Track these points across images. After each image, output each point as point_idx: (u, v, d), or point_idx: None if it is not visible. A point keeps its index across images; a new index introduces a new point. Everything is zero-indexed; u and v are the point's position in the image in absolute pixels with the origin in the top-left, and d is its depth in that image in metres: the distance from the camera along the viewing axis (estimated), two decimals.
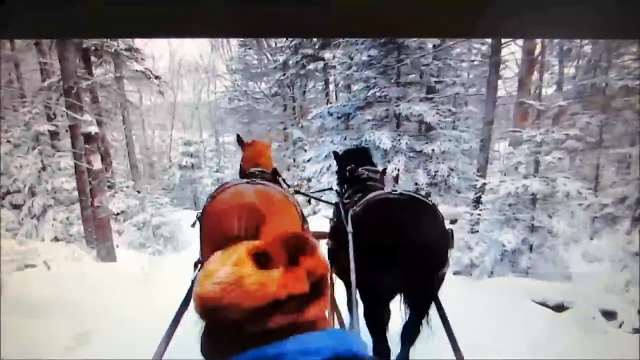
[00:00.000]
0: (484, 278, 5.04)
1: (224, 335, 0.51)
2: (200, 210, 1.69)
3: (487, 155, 8.06)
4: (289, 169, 13.84)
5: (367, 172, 2.50)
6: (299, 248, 0.54)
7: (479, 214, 6.05)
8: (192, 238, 7.14)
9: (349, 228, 1.86)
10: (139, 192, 10.27)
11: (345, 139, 8.67)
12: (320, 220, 6.87)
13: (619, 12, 0.72)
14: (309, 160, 8.83)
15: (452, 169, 8.65)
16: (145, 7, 0.69)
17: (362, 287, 1.65)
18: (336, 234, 2.17)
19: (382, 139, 7.94)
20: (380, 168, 2.72)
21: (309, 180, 12.18)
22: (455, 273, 5.58)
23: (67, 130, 6.92)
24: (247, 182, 1.79)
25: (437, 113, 8.63)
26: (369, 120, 8.80)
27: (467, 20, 0.77)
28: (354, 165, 2.59)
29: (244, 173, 2.33)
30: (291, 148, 14.24)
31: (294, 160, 14.12)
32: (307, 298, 0.51)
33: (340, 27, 0.83)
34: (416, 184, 8.54)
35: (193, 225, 1.76)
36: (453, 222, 11.98)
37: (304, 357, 0.43)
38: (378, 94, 8.54)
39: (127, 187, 8.68)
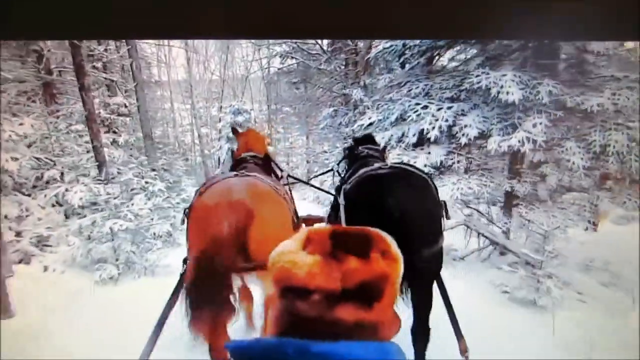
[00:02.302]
0: None
1: (278, 300, 0.52)
2: (188, 206, 1.68)
3: None
4: (345, 140, 10.63)
5: (367, 150, 2.45)
6: (351, 245, 0.52)
7: None
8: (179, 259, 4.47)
9: (341, 200, 1.91)
10: (153, 170, 8.14)
11: (430, 87, 5.08)
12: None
13: (619, 12, 0.69)
14: (368, 127, 5.51)
15: (634, 140, 4.62)
16: (145, 7, 0.66)
17: None
18: (331, 214, 2.15)
19: (506, 85, 4.26)
20: (381, 146, 2.65)
21: None
22: None
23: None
24: (236, 175, 1.74)
25: None
26: (475, 56, 5.11)
27: (467, 21, 0.74)
28: (353, 143, 2.67)
29: (235, 159, 2.38)
30: (350, 114, 10.94)
31: (353, 131, 10.85)
32: (339, 298, 0.48)
33: (342, 28, 0.80)
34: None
35: (182, 222, 1.70)
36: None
37: None
38: None
39: (132, 164, 6.34)
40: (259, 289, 2.16)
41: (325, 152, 13.06)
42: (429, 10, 0.67)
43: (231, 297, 1.51)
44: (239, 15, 0.68)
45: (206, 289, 1.43)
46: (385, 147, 2.78)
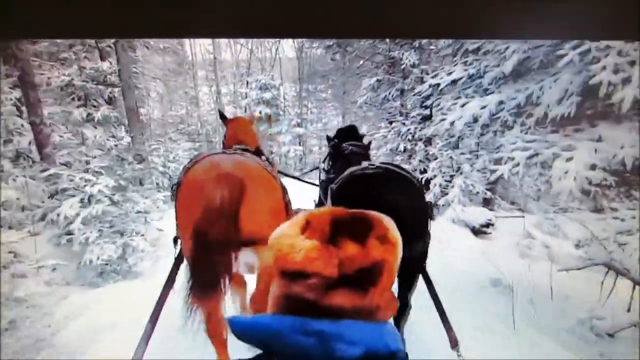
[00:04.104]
0: None
1: (277, 283, 0.52)
2: (176, 182, 1.64)
3: None
4: (391, 124, 8.03)
5: (351, 147, 2.44)
6: (350, 231, 0.50)
7: None
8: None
9: (328, 203, 1.90)
10: (141, 159, 6.23)
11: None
12: None
13: (619, 12, 0.69)
14: (451, 85, 3.01)
15: None
16: (145, 7, 0.66)
17: None
18: None
19: None
20: (365, 142, 2.65)
21: (427, 142, 6.21)
22: None
23: None
24: (223, 152, 1.73)
25: None
26: None
27: (467, 21, 0.74)
28: (336, 141, 2.63)
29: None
30: (398, 84, 8.28)
31: (403, 105, 8.18)
32: (336, 283, 0.47)
33: (341, 27, 0.78)
34: None
35: (172, 198, 1.68)
36: None
37: (339, 343, 0.44)
38: None
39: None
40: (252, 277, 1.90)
41: (364, 135, 10.59)
42: (429, 10, 0.67)
43: (226, 273, 1.44)
44: (233, 13, 0.68)
45: (206, 263, 1.40)
46: (369, 143, 2.75)
